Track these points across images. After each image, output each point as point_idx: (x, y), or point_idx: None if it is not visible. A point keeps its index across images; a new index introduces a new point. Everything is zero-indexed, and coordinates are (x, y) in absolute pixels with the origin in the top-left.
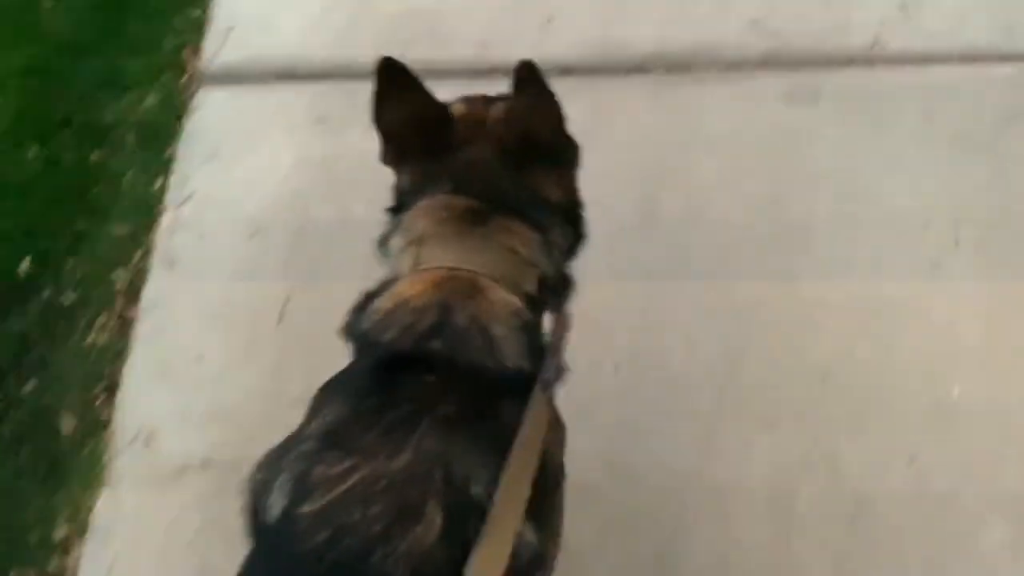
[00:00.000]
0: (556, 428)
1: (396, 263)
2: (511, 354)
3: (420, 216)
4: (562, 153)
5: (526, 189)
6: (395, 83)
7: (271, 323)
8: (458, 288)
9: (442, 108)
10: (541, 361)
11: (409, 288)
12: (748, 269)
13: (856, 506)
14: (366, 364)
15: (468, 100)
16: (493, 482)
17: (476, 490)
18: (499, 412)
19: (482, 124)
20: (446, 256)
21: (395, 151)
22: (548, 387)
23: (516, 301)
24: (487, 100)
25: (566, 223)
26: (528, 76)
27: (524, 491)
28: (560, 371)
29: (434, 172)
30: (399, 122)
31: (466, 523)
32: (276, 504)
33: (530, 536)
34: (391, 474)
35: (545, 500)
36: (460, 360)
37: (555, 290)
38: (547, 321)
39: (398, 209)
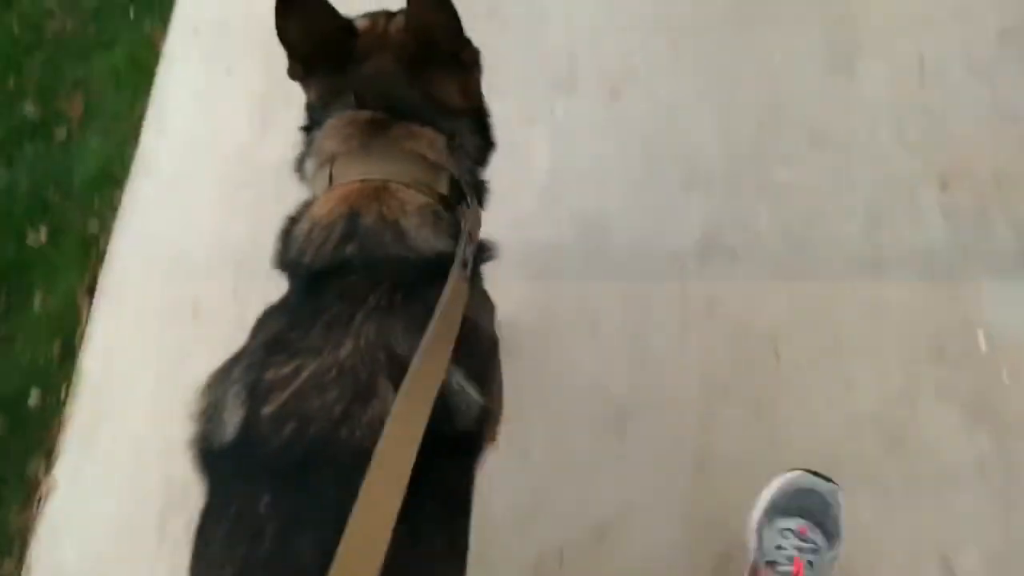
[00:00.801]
0: (485, 302)
1: (312, 185)
2: (426, 242)
3: (328, 136)
4: (461, 58)
5: (427, 95)
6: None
7: None
8: (364, 194)
9: (345, 22)
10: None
11: (320, 208)
12: None
13: None
14: (294, 286)
15: (371, 15)
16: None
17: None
18: (428, 294)
19: (383, 36)
20: (355, 170)
21: (300, 65)
22: (465, 265)
23: (424, 197)
24: (388, 15)
25: (473, 128)
26: None
27: (446, 350)
28: (485, 251)
29: (338, 86)
30: (302, 36)
31: None
32: (232, 418)
33: (474, 394)
34: (339, 363)
35: (484, 364)
36: (376, 255)
37: (468, 191)
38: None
39: (310, 127)
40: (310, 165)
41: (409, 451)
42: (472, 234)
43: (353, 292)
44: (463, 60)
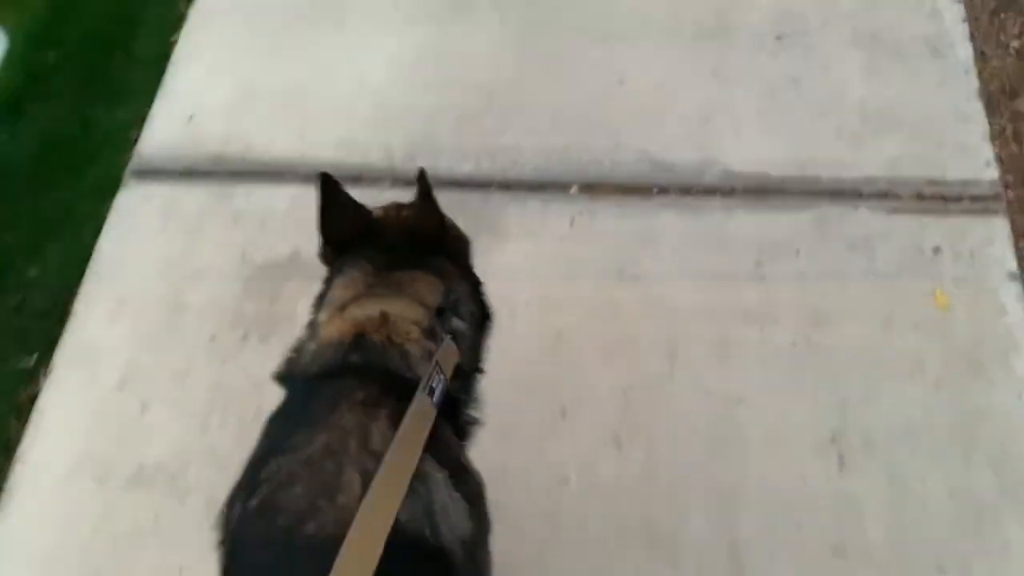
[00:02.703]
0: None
1: (323, 328)
2: (422, 370)
3: (338, 287)
4: (454, 247)
5: (428, 259)
6: (333, 196)
7: None
8: (371, 320)
9: (367, 212)
10: (459, 387)
11: (329, 331)
12: None
13: None
14: (293, 393)
15: (385, 207)
16: (424, 456)
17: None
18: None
19: (396, 220)
20: (360, 309)
21: (333, 250)
22: (432, 392)
23: (421, 332)
24: (399, 206)
25: (468, 291)
26: (421, 185)
27: (410, 463)
28: (469, 399)
29: (355, 256)
30: (338, 229)
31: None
32: (235, 512)
33: (464, 515)
34: (310, 454)
35: (472, 487)
36: (376, 366)
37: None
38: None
39: (325, 289)
40: (324, 314)
41: (375, 545)
42: (442, 364)
43: (344, 388)
44: (455, 248)
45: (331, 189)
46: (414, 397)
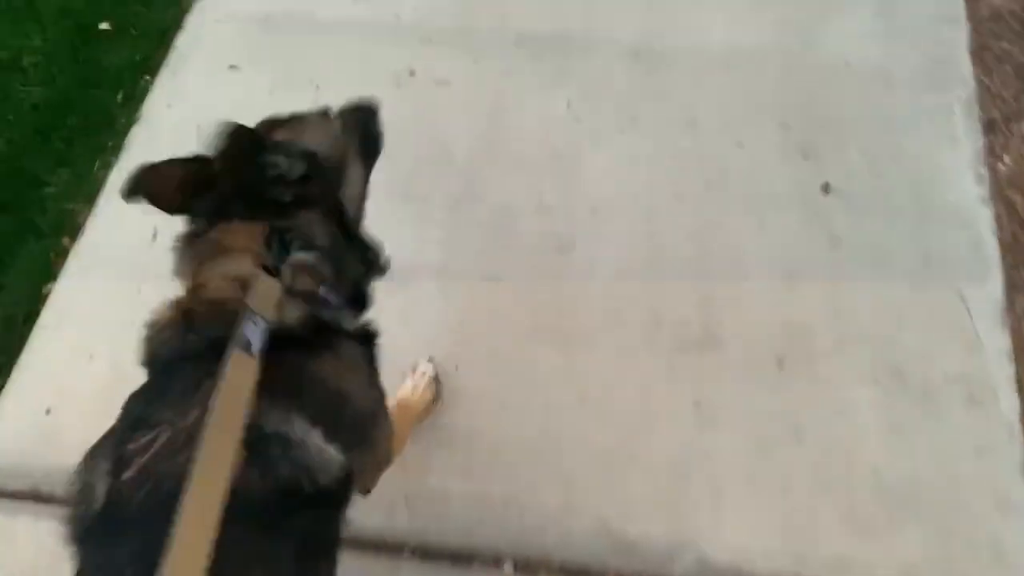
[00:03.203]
0: (354, 367)
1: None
2: (263, 318)
3: (178, 262)
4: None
5: (263, 195)
6: (148, 180)
7: None
8: (189, 299)
9: (190, 163)
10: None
11: (161, 315)
12: None
13: None
14: (152, 375)
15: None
16: (293, 415)
17: (268, 430)
18: (279, 359)
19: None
20: (197, 278)
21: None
22: (246, 346)
23: (243, 277)
24: (269, 123)
25: (322, 221)
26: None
27: (231, 435)
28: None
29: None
30: (162, 195)
31: (265, 453)
32: (100, 489)
33: (334, 453)
34: (188, 428)
35: (352, 425)
36: (212, 335)
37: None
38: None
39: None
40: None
41: (213, 503)
42: (258, 308)
43: (200, 367)
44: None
45: (143, 178)
46: (225, 355)
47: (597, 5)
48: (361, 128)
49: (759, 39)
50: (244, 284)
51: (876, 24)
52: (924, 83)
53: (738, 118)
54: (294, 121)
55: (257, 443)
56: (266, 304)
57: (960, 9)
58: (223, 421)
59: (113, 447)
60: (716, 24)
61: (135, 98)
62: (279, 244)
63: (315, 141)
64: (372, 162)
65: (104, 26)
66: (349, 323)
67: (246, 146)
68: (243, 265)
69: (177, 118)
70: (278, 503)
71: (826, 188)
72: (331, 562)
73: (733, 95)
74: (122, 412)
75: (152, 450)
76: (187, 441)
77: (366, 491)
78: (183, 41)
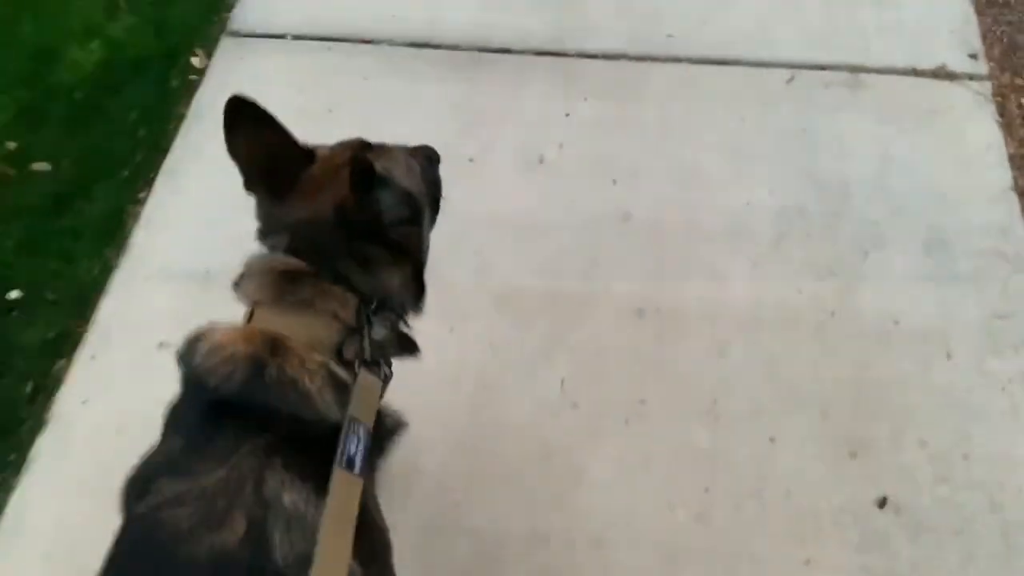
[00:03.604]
0: (372, 491)
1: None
2: (324, 408)
3: (251, 279)
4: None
5: (356, 253)
6: (244, 118)
7: None
8: (265, 343)
9: (297, 147)
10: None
11: (224, 337)
12: None
13: None
14: (195, 403)
15: (343, 145)
16: (307, 498)
17: (287, 501)
18: (318, 454)
19: (334, 173)
20: (264, 320)
21: (248, 180)
22: (351, 462)
23: (322, 357)
24: (360, 146)
25: (403, 276)
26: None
27: (345, 547)
28: (385, 438)
29: (277, 220)
30: (249, 152)
31: (270, 531)
32: (127, 511)
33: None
34: (205, 486)
35: (377, 557)
36: (277, 408)
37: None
38: None
39: (262, 236)
40: (241, 298)
41: None
42: (360, 416)
43: (247, 428)
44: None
45: (240, 109)
46: (332, 473)
47: (593, 250)
48: (428, 174)
49: (787, 291)
50: (335, 358)
51: (927, 263)
52: (988, 345)
53: (767, 403)
54: (377, 149)
55: (265, 518)
56: (370, 409)
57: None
58: (331, 549)
59: (148, 472)
60: (735, 273)
61: (46, 389)
62: (367, 321)
63: (410, 180)
64: (435, 216)
65: (14, 295)
66: None
67: (362, 174)
68: (329, 336)
69: (93, 420)
70: None
71: (882, 503)
72: None
73: (760, 371)
74: (162, 431)
75: (165, 495)
76: (196, 500)
77: None
78: (106, 310)
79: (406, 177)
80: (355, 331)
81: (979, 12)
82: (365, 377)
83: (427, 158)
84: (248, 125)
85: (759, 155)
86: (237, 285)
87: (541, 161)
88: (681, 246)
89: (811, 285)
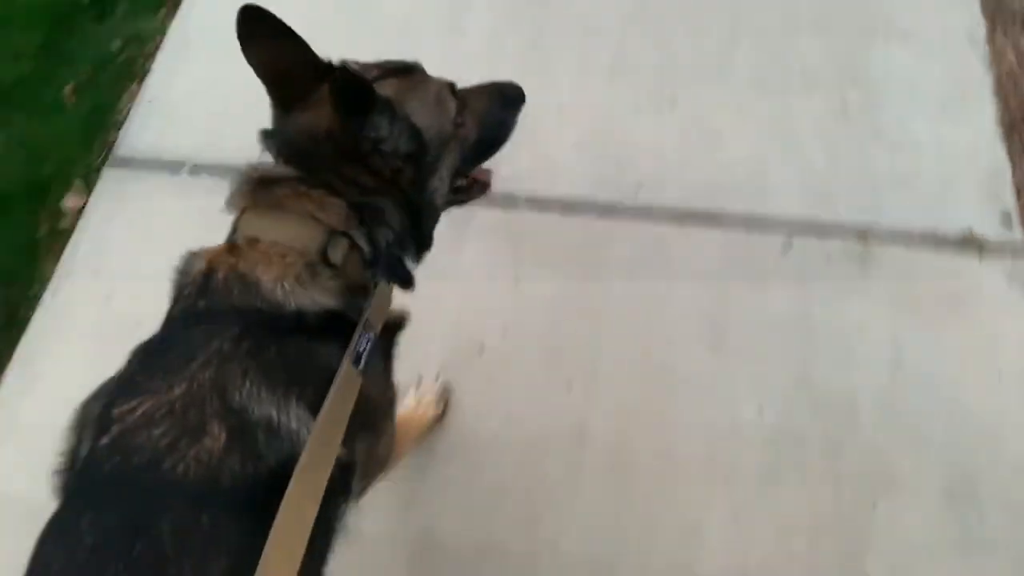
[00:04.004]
0: (376, 376)
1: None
2: (286, 296)
3: (237, 186)
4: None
5: (344, 171)
6: (259, 29)
7: None
8: (222, 251)
9: (314, 63)
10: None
11: (196, 263)
12: None
13: None
14: (159, 331)
15: (378, 65)
16: (272, 407)
17: (256, 414)
18: (283, 347)
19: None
20: (245, 225)
21: (277, 97)
22: (359, 358)
23: (294, 256)
24: (393, 71)
25: (400, 211)
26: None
27: (335, 437)
28: (389, 339)
29: (277, 130)
30: (264, 59)
31: (249, 438)
32: (82, 451)
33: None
34: (170, 402)
35: (354, 421)
36: (221, 308)
37: (378, 262)
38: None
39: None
40: (231, 208)
41: (309, 508)
42: (372, 320)
43: (198, 338)
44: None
45: (254, 17)
46: (342, 363)
47: (539, 491)
48: (490, 115)
49: (774, 555)
50: (324, 261)
51: (948, 520)
52: None
53: None
54: (411, 76)
55: (240, 428)
56: (380, 313)
57: None
58: (324, 435)
59: (103, 406)
60: (712, 525)
61: None
62: (361, 224)
63: (426, 117)
64: (487, 153)
65: None
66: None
67: (356, 97)
68: (328, 241)
69: None
70: (270, 488)
71: None
72: (320, 559)
73: None
74: (124, 365)
75: (130, 420)
76: (167, 414)
77: (358, 493)
78: None
79: (422, 111)
80: (342, 235)
81: (1013, 158)
82: (383, 290)
83: (501, 98)
84: (264, 36)
85: (746, 352)
86: (230, 197)
87: (481, 351)
88: (647, 484)
89: (803, 548)
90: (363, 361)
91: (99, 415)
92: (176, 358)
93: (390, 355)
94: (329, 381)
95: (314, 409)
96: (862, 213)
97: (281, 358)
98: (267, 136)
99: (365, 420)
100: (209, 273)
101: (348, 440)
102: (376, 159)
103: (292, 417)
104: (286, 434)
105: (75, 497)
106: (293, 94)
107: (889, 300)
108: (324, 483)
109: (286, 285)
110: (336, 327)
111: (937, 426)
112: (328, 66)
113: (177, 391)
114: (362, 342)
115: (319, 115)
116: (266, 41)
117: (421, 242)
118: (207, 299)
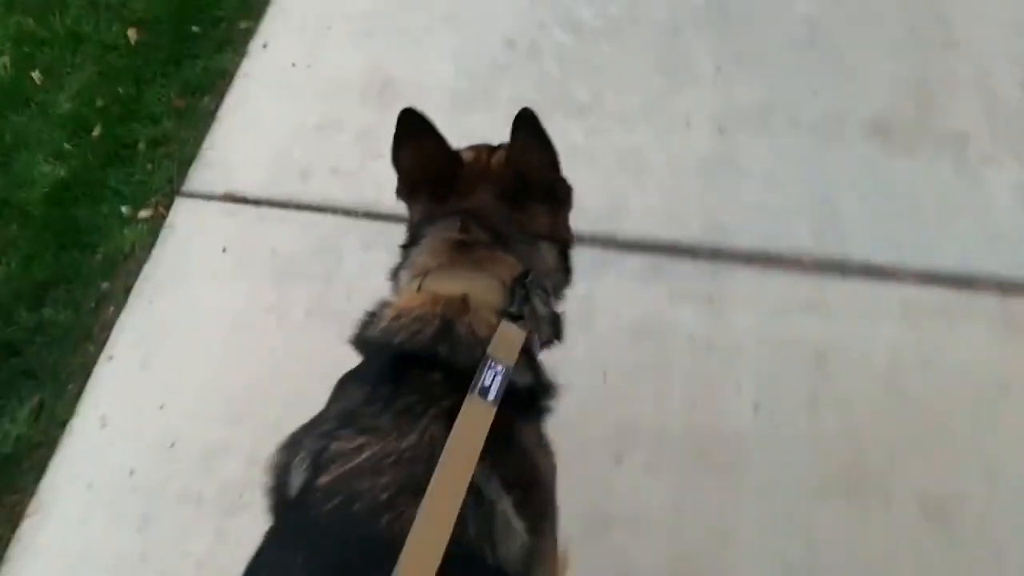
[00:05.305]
0: (541, 443)
1: (401, 293)
2: (510, 370)
3: (423, 252)
4: (556, 191)
5: (520, 225)
6: (413, 129)
7: None
8: (453, 304)
9: (452, 153)
10: (537, 377)
11: (409, 302)
12: None
13: None
14: (380, 359)
15: (475, 148)
16: (490, 472)
17: (476, 476)
18: (499, 415)
19: (486, 170)
20: (442, 284)
21: (408, 188)
22: (484, 392)
23: (499, 320)
24: (491, 149)
25: (555, 257)
26: (525, 122)
27: (459, 486)
28: (542, 393)
29: (441, 212)
30: (414, 164)
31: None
32: (296, 480)
33: (520, 529)
34: (399, 452)
35: (537, 506)
36: (461, 364)
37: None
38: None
39: (408, 245)
40: (404, 276)
41: (433, 555)
42: (498, 354)
43: (431, 389)
44: (557, 194)
45: (411, 121)
46: (465, 399)
47: None
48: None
49: None
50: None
51: None
52: None
53: None
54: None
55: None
56: (510, 353)
57: None
58: (453, 470)
59: (317, 438)
60: None
61: None
62: (523, 289)
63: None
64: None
65: None
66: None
67: (533, 144)
68: (499, 298)
69: None
70: (455, 564)
71: None
72: None
73: None
74: (333, 394)
75: (355, 462)
76: (394, 465)
77: None
78: None
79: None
80: (515, 290)
81: None
82: (507, 327)
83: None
84: (415, 136)
85: None
86: (398, 269)
87: None
88: None
89: None
90: (492, 393)
91: (317, 448)
92: (412, 402)
93: (541, 417)
94: (522, 459)
95: (508, 487)
96: None
97: (497, 427)
98: (432, 220)
99: (543, 516)
100: (447, 320)
101: (529, 532)
102: (565, 206)
103: (491, 488)
104: (485, 503)
105: (290, 531)
106: (438, 186)
107: None
108: (452, 521)
109: (499, 352)
110: (532, 400)
111: None
112: (456, 154)
113: (409, 440)
114: (488, 375)
115: (485, 191)
116: (416, 140)
117: (568, 276)
118: (450, 348)
